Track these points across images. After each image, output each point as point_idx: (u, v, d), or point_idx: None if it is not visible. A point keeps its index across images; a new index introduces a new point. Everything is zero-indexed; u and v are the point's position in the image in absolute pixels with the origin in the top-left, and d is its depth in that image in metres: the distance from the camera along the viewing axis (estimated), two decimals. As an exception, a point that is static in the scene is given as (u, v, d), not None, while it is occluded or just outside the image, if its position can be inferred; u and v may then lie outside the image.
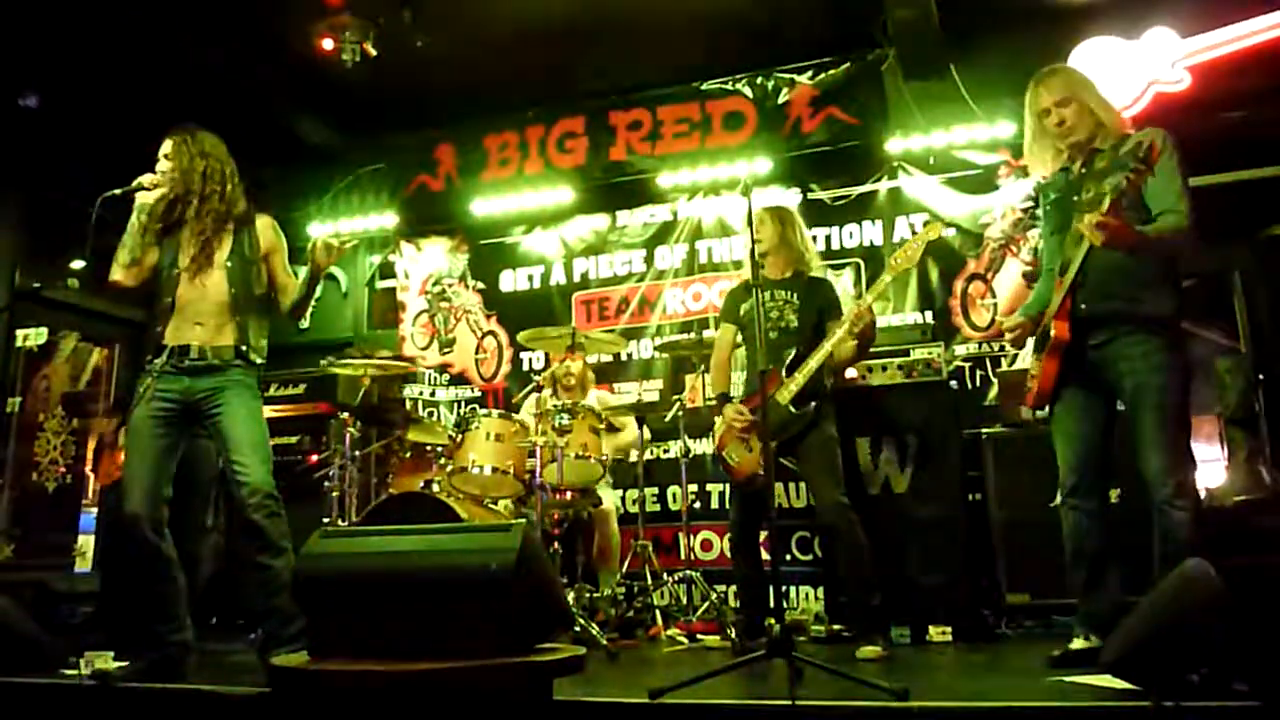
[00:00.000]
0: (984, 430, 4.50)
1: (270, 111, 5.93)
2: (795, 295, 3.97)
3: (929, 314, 5.42)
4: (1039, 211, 3.47)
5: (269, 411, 5.74)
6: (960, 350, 5.32)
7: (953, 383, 4.57)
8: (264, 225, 3.55)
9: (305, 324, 6.88)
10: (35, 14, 4.91)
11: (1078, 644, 3.04)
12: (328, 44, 4.87)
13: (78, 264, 6.50)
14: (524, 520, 2.42)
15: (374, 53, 4.90)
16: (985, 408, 4.96)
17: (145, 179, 3.40)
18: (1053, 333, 3.08)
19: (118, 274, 3.42)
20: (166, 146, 3.47)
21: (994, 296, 5.33)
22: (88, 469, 6.45)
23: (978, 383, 5.26)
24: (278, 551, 3.32)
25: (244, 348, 3.39)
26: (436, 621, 2.20)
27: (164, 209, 3.44)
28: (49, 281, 5.31)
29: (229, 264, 3.41)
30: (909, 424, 4.37)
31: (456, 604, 2.20)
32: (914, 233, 5.27)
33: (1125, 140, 3.12)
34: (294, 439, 5.73)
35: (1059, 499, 3.20)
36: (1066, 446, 3.17)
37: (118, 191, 3.39)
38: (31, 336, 6.39)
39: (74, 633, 5.08)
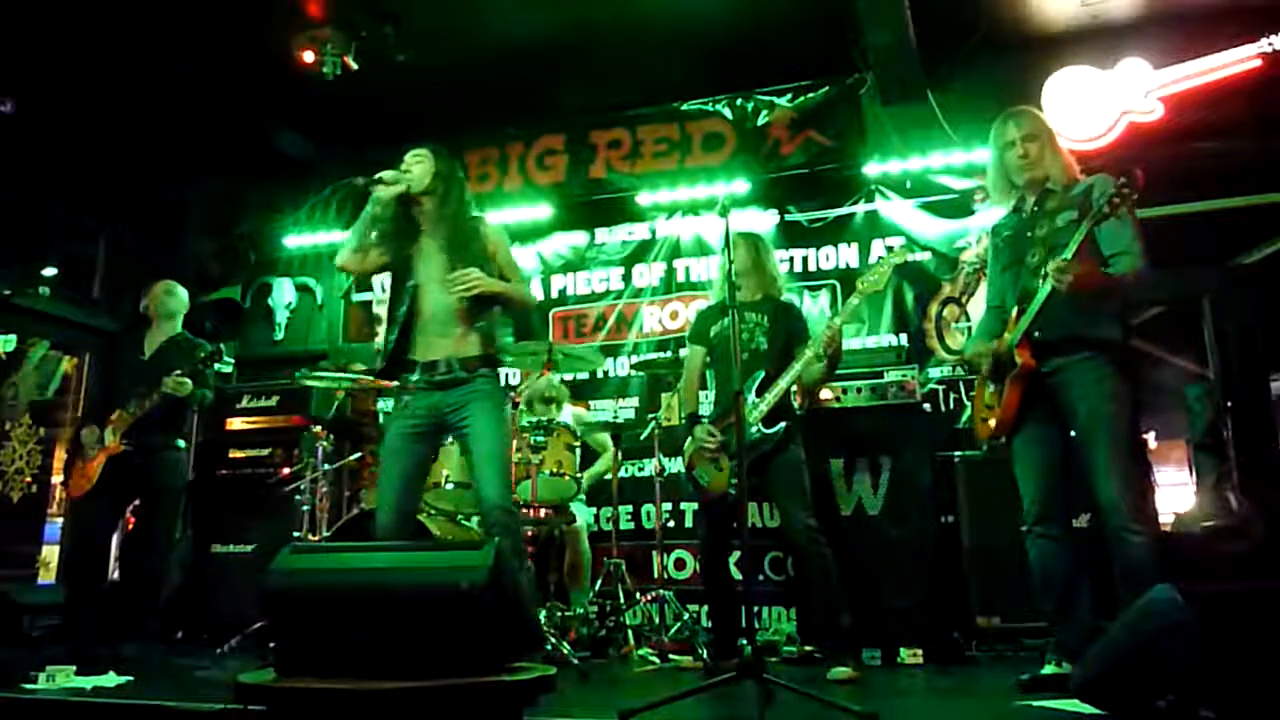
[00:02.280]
0: (956, 453, 4.53)
1: (248, 123, 5.90)
2: (765, 318, 4.01)
3: (904, 336, 5.46)
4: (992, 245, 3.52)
5: (239, 423, 5.78)
6: (934, 373, 5.36)
7: (926, 405, 4.61)
8: (491, 232, 3.51)
9: (279, 335, 6.84)
10: (14, 19, 4.86)
11: (1049, 669, 3.06)
12: (308, 56, 4.85)
13: (49, 271, 6.47)
14: (497, 539, 2.39)
15: (355, 66, 4.88)
16: (958, 430, 5.00)
17: (386, 174, 3.35)
18: (1019, 360, 3.14)
19: (344, 257, 3.45)
20: (409, 155, 3.45)
21: (968, 320, 5.37)
22: (55, 479, 6.35)
23: (951, 405, 5.29)
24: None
25: (489, 354, 3.35)
26: (406, 640, 2.18)
27: (399, 208, 3.40)
28: (18, 288, 5.23)
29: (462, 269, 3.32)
30: (882, 446, 4.40)
31: (427, 622, 2.19)
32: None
33: (1075, 184, 3.22)
34: (266, 451, 5.69)
35: (1025, 525, 3.24)
36: (1029, 476, 3.22)
37: (359, 181, 3.36)
38: (2, 343, 6.31)
39: (36, 645, 4.99)
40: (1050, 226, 3.15)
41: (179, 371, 4.41)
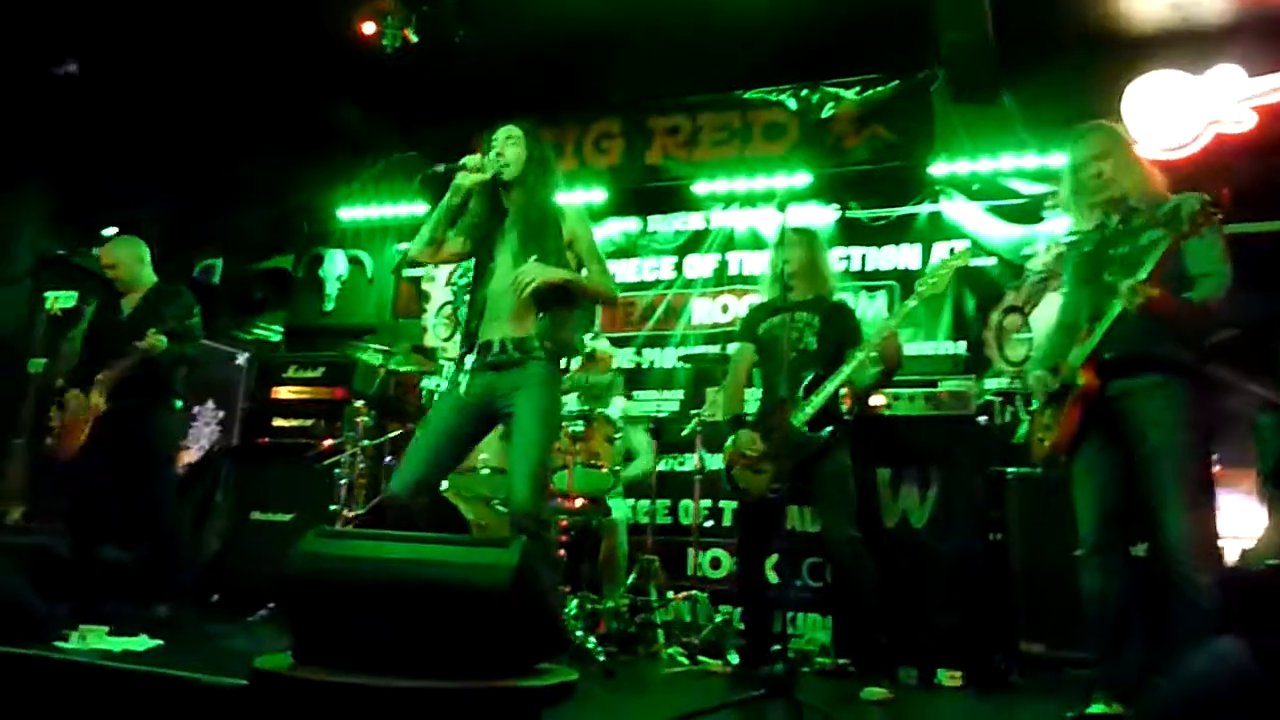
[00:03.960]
0: (1009, 469, 4.35)
1: (304, 94, 5.89)
2: (816, 318, 3.88)
3: (962, 345, 5.27)
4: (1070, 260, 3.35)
5: (285, 392, 5.78)
6: (991, 384, 5.16)
7: (981, 418, 4.43)
8: (571, 219, 3.30)
9: (329, 305, 6.86)
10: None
11: (1097, 709, 2.91)
12: (369, 28, 4.81)
13: (109, 230, 6.53)
14: (524, 537, 2.31)
15: (415, 39, 4.83)
16: (1013, 446, 4.80)
17: (470, 160, 3.18)
18: (1081, 380, 2.97)
19: (416, 250, 3.33)
20: (503, 135, 3.26)
21: (1030, 330, 5.16)
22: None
23: (1007, 418, 5.08)
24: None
25: (546, 343, 3.14)
26: (425, 636, 2.12)
27: (481, 194, 3.26)
28: (75, 247, 5.28)
29: (536, 259, 3.14)
30: (932, 457, 4.23)
31: (447, 620, 2.11)
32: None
33: (1162, 201, 3.04)
34: (309, 422, 5.68)
35: (1080, 553, 3.08)
36: (1087, 503, 3.06)
37: (440, 168, 3.25)
38: (60, 300, 6.40)
39: (76, 599, 5.05)
40: (1133, 244, 2.98)
41: (154, 330, 4.26)
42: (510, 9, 5.16)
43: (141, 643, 3.50)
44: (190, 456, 6.42)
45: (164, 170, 6.39)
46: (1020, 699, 3.73)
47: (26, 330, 5.69)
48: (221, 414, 6.66)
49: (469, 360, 3.19)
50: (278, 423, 5.75)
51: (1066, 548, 3.18)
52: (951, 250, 5.22)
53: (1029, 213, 5.32)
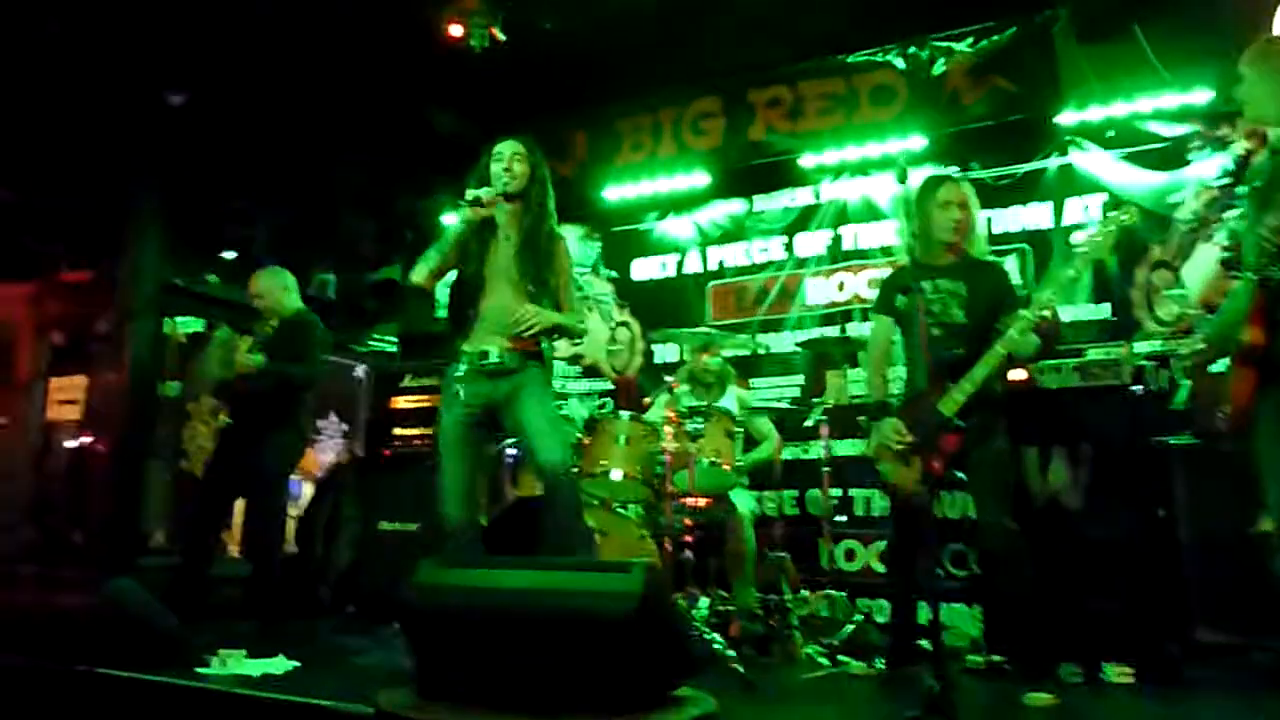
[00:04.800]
0: (1171, 439, 3.96)
1: (401, 102, 5.89)
2: (962, 285, 3.56)
3: (1107, 307, 4.86)
4: (1239, 190, 2.95)
5: (403, 402, 5.82)
6: (1142, 348, 4.72)
7: (1136, 387, 4.05)
8: (561, 247, 3.50)
9: (441, 312, 6.87)
10: (183, 13, 4.98)
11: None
12: (456, 30, 4.75)
13: (228, 254, 6.73)
14: (646, 560, 2.16)
15: (502, 38, 4.73)
16: (1172, 413, 4.40)
17: (484, 195, 3.32)
18: (1245, 338, 2.61)
19: (420, 278, 3.44)
20: (510, 151, 3.41)
21: (1182, 287, 4.71)
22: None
23: (1164, 384, 4.66)
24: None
25: (540, 356, 3.42)
26: (551, 670, 2.00)
27: (483, 221, 3.38)
28: (190, 277, 5.43)
29: (530, 289, 3.35)
30: (1084, 432, 3.89)
31: (574, 651, 2.00)
32: (1092, 216, 4.75)
33: None
34: (429, 430, 5.69)
35: (1263, 525, 2.73)
36: (1271, 471, 2.68)
37: (460, 203, 3.34)
38: (185, 326, 6.62)
39: (217, 618, 5.20)
40: None
41: (247, 348, 4.47)
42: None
43: (280, 664, 3.52)
44: (318, 471, 6.57)
45: (272, 188, 6.52)
46: (1203, 698, 3.37)
47: (157, 356, 5.89)
48: (345, 427, 6.80)
49: (461, 369, 3.33)
50: (398, 432, 5.79)
51: (1244, 522, 2.83)
52: (1113, 207, 4.74)
53: (1172, 157, 4.85)
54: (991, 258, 3.79)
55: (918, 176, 4.86)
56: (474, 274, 3.37)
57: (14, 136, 5.55)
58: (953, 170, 5.28)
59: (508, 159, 3.38)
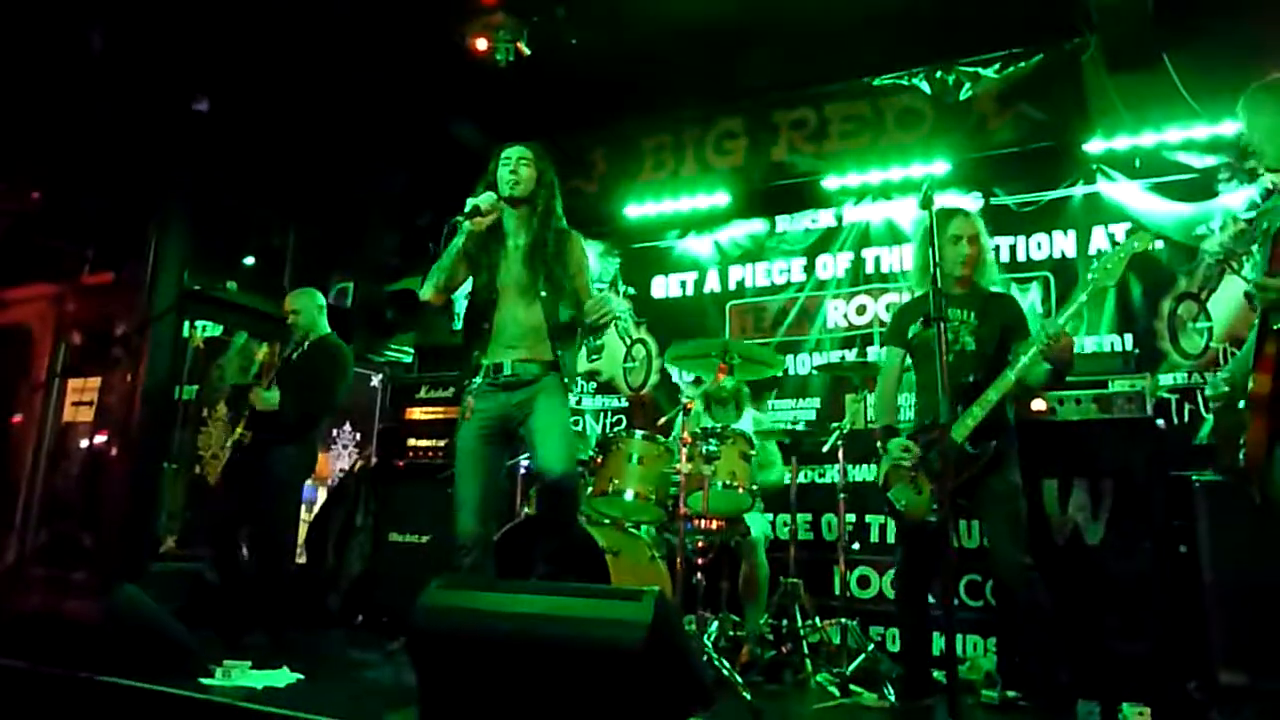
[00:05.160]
0: (1195, 475, 3.88)
1: (425, 116, 5.90)
2: (972, 314, 3.55)
3: (1129, 338, 4.78)
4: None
5: (418, 413, 5.80)
6: (1166, 380, 4.66)
7: (1159, 420, 3.98)
8: (575, 244, 3.46)
9: (458, 324, 6.87)
10: (208, 20, 5.01)
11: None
12: (481, 44, 4.75)
13: (248, 260, 6.74)
14: (656, 588, 2.11)
15: (527, 52, 4.73)
16: (1196, 448, 4.32)
17: (483, 204, 3.31)
18: (1251, 384, 2.56)
19: (429, 294, 3.44)
20: (517, 155, 3.41)
21: (1207, 320, 4.64)
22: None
23: (1186, 418, 4.59)
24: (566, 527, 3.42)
25: (556, 366, 3.36)
26: (558, 698, 1.96)
27: (490, 230, 3.38)
28: (210, 283, 5.44)
29: (544, 293, 3.34)
30: (1105, 466, 3.85)
31: (581, 679, 1.95)
32: (1114, 244, 4.68)
33: None
34: (442, 442, 5.68)
35: None
36: None
37: (458, 219, 3.31)
38: (204, 331, 6.63)
39: (224, 626, 5.18)
40: None
41: (260, 387, 4.63)
42: (622, 10, 4.99)
43: (283, 677, 3.50)
44: (331, 477, 6.56)
45: (296, 198, 6.54)
46: (1224, 741, 3.29)
47: (175, 361, 5.90)
48: (358, 435, 6.78)
49: (476, 383, 3.31)
50: (412, 443, 5.77)
51: (1270, 561, 2.75)
52: (1128, 232, 4.69)
53: (1200, 188, 4.79)
54: (1002, 288, 3.76)
55: (942, 202, 4.84)
56: (486, 285, 3.36)
57: (48, 139, 5.61)
58: (975, 196, 5.25)
59: (514, 163, 3.38)
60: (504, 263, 3.37)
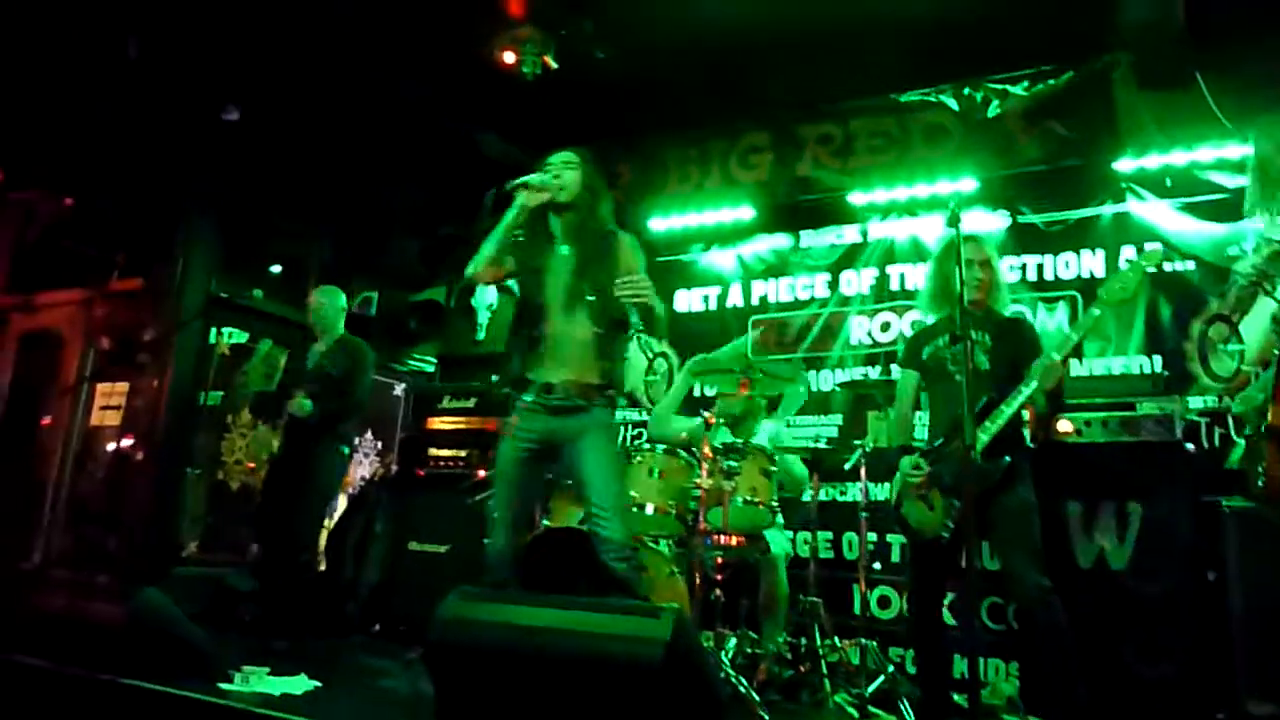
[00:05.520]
0: (1224, 500, 3.82)
1: (450, 126, 5.94)
2: (986, 336, 3.54)
3: (1158, 360, 4.73)
4: None
5: (439, 423, 5.81)
6: (1196, 403, 4.59)
7: (1189, 444, 3.93)
8: (626, 247, 3.35)
9: (480, 335, 6.89)
10: (239, 31, 5.08)
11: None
12: (508, 57, 4.78)
13: (275, 268, 6.81)
14: (674, 605, 2.10)
15: (554, 65, 4.76)
16: (1226, 472, 4.25)
17: (534, 178, 3.26)
18: (1269, 418, 2.52)
19: (476, 269, 3.35)
20: (560, 160, 3.36)
21: (1239, 342, 4.56)
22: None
23: (1216, 442, 4.52)
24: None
25: (608, 388, 3.26)
26: (574, 712, 1.95)
27: (537, 216, 3.32)
28: (236, 290, 5.50)
29: (591, 299, 3.22)
30: (1132, 489, 3.80)
31: (598, 694, 1.94)
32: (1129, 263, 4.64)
33: None
34: (463, 452, 5.68)
35: None
36: None
37: (507, 186, 3.28)
38: (229, 338, 6.70)
39: (245, 631, 5.20)
40: None
41: (300, 395, 4.67)
42: (649, 24, 5.00)
43: (300, 684, 3.50)
44: (351, 486, 6.58)
45: (322, 207, 6.60)
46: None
47: (199, 367, 5.96)
48: (380, 444, 6.81)
49: (527, 398, 3.21)
50: (433, 453, 5.78)
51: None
52: (1139, 250, 4.67)
53: (1232, 209, 4.72)
54: (1014, 311, 3.75)
55: (968, 218, 4.80)
56: (533, 291, 3.28)
57: (80, 147, 5.69)
58: (1002, 214, 5.21)
59: (557, 167, 3.31)
60: (551, 269, 3.28)
